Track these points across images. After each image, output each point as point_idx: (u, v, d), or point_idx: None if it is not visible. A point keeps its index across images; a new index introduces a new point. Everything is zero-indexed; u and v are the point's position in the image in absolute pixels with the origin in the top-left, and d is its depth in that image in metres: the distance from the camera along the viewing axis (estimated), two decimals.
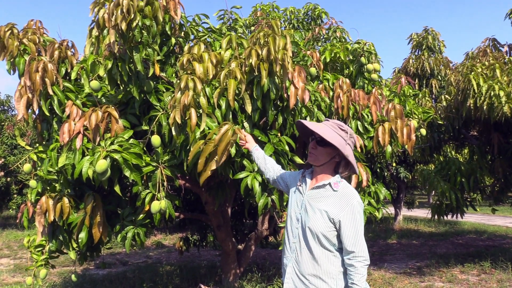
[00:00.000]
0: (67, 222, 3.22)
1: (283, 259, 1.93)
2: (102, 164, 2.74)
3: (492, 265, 6.36)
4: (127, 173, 2.89)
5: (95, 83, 3.21)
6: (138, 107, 3.34)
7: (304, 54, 4.23)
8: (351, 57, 4.47)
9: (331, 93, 3.90)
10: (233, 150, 2.95)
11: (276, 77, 3.12)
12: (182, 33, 3.66)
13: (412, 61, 9.90)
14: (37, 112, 3.23)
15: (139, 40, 2.96)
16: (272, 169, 2.23)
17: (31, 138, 11.94)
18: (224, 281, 4.91)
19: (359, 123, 3.90)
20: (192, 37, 3.92)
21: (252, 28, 5.36)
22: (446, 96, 6.69)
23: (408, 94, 5.08)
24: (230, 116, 3.13)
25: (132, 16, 2.81)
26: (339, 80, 3.70)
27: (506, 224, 12.73)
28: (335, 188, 1.78)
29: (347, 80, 3.73)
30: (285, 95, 3.24)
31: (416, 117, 4.96)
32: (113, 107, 3.03)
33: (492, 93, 5.26)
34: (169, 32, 3.38)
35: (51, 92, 3.09)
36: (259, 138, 3.22)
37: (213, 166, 2.62)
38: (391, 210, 12.50)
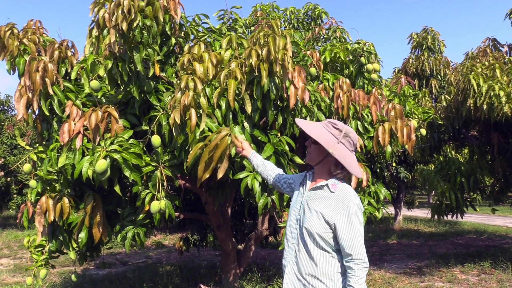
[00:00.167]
0: (67, 222, 3.22)
1: (283, 260, 1.93)
2: (102, 164, 2.74)
3: (492, 265, 6.36)
4: (127, 173, 2.89)
5: (95, 83, 3.21)
6: (138, 107, 3.34)
7: (304, 54, 4.23)
8: (351, 57, 4.47)
9: (331, 93, 3.90)
10: (233, 150, 2.95)
11: (276, 77, 3.12)
12: (182, 33, 3.66)
13: (412, 61, 9.90)
14: (37, 112, 3.23)
15: (140, 40, 2.96)
16: (274, 175, 2.23)
17: (31, 138, 11.95)
18: (224, 281, 4.91)
19: (359, 123, 3.90)
20: (192, 37, 3.92)
21: (252, 28, 5.37)
22: (446, 96, 6.69)
23: (408, 94, 5.08)
24: (230, 116, 3.13)
25: (133, 16, 2.81)
26: (339, 80, 3.70)
27: (506, 224, 12.73)
28: (333, 190, 1.75)
29: (347, 80, 3.73)
30: (285, 95, 3.24)
31: (416, 117, 4.96)
32: (113, 107, 3.03)
33: (492, 93, 5.26)
34: (169, 32, 3.38)
35: (51, 92, 3.09)
36: (259, 138, 3.22)
37: (208, 174, 2.63)
38: (391, 210, 12.49)
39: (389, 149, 3.73)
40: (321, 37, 5.18)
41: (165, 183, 3.13)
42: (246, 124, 3.25)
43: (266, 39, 3.02)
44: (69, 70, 3.36)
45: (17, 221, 3.83)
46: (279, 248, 3.07)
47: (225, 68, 3.02)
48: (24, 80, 3.05)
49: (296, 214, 1.87)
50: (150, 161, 3.14)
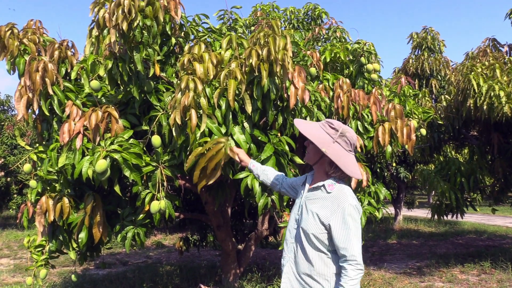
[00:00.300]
0: (67, 222, 3.22)
1: (282, 259, 1.93)
2: (102, 164, 2.74)
3: (492, 265, 6.36)
4: (127, 173, 2.89)
5: (95, 83, 3.21)
6: (138, 107, 3.34)
7: (304, 54, 4.23)
8: (351, 57, 4.47)
9: (331, 93, 3.90)
10: (236, 158, 2.97)
11: (276, 77, 3.12)
12: (182, 33, 3.66)
13: (412, 61, 9.91)
14: (37, 112, 3.23)
15: (140, 40, 2.96)
16: (277, 181, 2.23)
17: (31, 138, 11.95)
18: (224, 281, 4.91)
19: (359, 123, 3.90)
20: (192, 37, 3.92)
21: (252, 28, 5.36)
22: (446, 96, 6.70)
23: (408, 94, 5.08)
24: (230, 116, 3.13)
25: (133, 16, 2.81)
26: (339, 80, 3.70)
27: (506, 224, 12.73)
28: (329, 190, 1.75)
29: (347, 80, 3.73)
30: (285, 95, 3.24)
31: (416, 117, 4.96)
32: (113, 107, 3.03)
33: (492, 93, 5.26)
34: (169, 32, 3.38)
35: (51, 92, 3.09)
36: (259, 138, 3.22)
37: (203, 184, 2.67)
38: (391, 210, 12.50)
39: (389, 149, 3.74)
40: (321, 37, 5.18)
41: (165, 183, 3.12)
42: (246, 124, 3.25)
43: (266, 39, 3.02)
44: (69, 70, 3.36)
45: (17, 221, 3.83)
46: (279, 248, 3.07)
47: (225, 68, 3.02)
48: (24, 80, 3.05)
49: (295, 215, 1.87)
50: (150, 161, 3.14)
